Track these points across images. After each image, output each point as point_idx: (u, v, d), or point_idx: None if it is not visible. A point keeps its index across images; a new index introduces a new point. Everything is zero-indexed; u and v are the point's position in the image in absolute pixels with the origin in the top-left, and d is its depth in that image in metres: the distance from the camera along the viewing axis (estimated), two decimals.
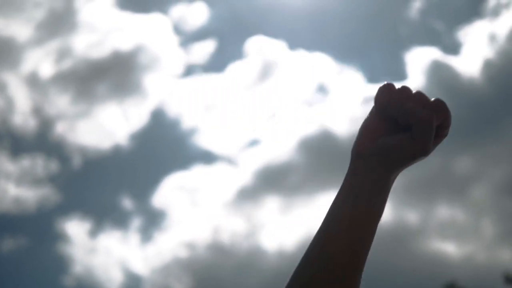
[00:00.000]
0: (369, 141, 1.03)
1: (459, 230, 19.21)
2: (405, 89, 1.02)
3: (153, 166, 21.17)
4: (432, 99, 1.02)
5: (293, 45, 23.14)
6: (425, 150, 1.00)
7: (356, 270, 0.99)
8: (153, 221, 20.04)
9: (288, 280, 1.00)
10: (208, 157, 21.76)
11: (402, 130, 1.02)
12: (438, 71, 20.25)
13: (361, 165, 1.02)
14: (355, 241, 1.00)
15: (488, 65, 20.36)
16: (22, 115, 19.28)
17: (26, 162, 19.22)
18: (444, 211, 19.66)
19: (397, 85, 1.03)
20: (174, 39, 21.87)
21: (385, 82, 1.03)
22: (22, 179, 18.99)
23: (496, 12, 21.18)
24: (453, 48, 22.13)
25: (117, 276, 18.70)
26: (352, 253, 0.99)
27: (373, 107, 1.05)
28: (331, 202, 1.03)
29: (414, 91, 1.02)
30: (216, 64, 20.57)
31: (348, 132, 20.17)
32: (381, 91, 1.03)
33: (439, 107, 1.01)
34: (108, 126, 20.20)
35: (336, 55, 23.25)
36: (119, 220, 20.04)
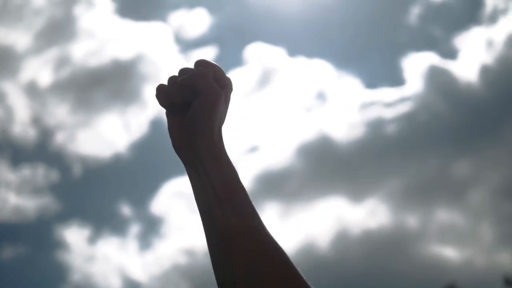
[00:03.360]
0: (179, 138, 1.04)
1: (458, 234, 19.27)
2: (171, 77, 1.04)
3: (152, 173, 21.23)
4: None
5: (292, 52, 23.23)
6: (209, 90, 1.01)
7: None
8: (152, 228, 20.09)
9: None
10: None
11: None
12: (436, 76, 20.34)
13: (191, 157, 1.02)
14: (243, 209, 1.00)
15: (485, 71, 20.46)
16: (22, 124, 19.34)
17: (26, 171, 19.29)
18: (443, 215, 19.72)
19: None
20: (174, 47, 21.97)
21: (157, 85, 1.05)
22: (22, 188, 19.04)
23: (493, 19, 21.28)
24: (450, 54, 22.24)
25: (116, 283, 18.74)
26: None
27: (166, 112, 1.06)
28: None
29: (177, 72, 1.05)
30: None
31: (347, 138, 20.25)
32: (157, 94, 1.05)
33: (201, 63, 1.04)
34: (108, 135, 20.28)
35: (334, 61, 23.35)
36: (118, 227, 20.08)
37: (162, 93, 1.04)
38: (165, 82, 1.05)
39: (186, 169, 1.04)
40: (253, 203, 1.01)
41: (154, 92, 1.05)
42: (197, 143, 1.01)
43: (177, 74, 1.05)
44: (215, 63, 1.05)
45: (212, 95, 1.01)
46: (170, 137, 1.05)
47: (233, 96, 1.09)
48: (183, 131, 1.04)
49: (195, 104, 1.01)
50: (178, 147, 1.04)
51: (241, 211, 0.99)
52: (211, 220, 1.00)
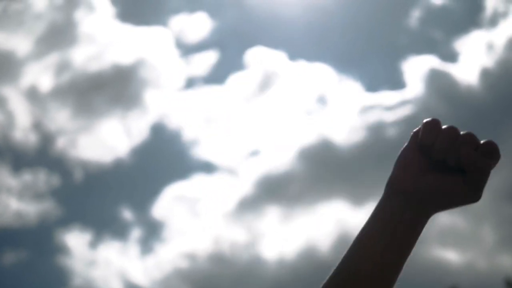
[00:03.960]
0: (410, 176, 0.99)
1: (460, 237, 19.26)
2: (453, 129, 0.97)
3: (153, 177, 21.23)
4: (483, 141, 0.97)
5: (293, 56, 23.24)
6: (477, 197, 0.97)
7: None
8: (153, 232, 20.07)
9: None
10: (208, 168, 21.86)
11: (442, 169, 0.98)
12: (436, 79, 20.34)
13: (400, 201, 0.99)
14: (385, 273, 1.00)
15: (486, 74, 20.45)
16: (23, 130, 19.35)
17: (27, 176, 19.28)
18: (444, 218, 19.71)
19: (443, 124, 0.98)
20: (175, 51, 22.00)
21: (431, 118, 0.98)
22: (23, 194, 19.04)
23: (493, 22, 21.29)
24: (451, 57, 22.25)
25: (117, 287, 18.73)
26: (381, 283, 0.99)
27: (412, 141, 1.00)
28: (363, 228, 1.01)
29: (462, 132, 0.97)
30: (217, 75, 20.65)
31: (348, 141, 20.25)
32: (427, 129, 0.98)
33: (493, 152, 0.97)
34: (108, 140, 20.28)
35: (335, 65, 23.37)
36: (119, 232, 20.07)
37: (434, 133, 0.97)
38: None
39: (389, 197, 1.01)
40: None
41: (429, 123, 0.98)
42: (415, 208, 0.99)
43: (459, 130, 0.97)
44: (500, 154, 0.98)
45: (472, 201, 0.98)
46: (399, 168, 1.00)
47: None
48: (413, 169, 0.99)
49: (462, 188, 0.97)
50: (398, 184, 1.00)
51: (384, 276, 1.00)
52: (356, 254, 1.00)
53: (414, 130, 1.00)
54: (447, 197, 0.98)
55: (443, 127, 0.98)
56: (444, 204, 0.99)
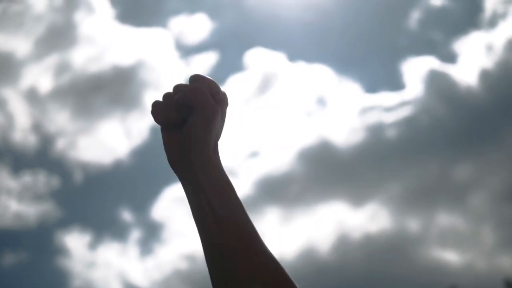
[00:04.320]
0: (174, 155, 1.04)
1: (459, 237, 19.27)
2: (166, 94, 1.04)
3: (152, 179, 21.24)
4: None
5: (292, 57, 23.25)
6: (203, 103, 1.01)
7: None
8: (152, 233, 20.10)
9: None
10: None
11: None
12: (436, 80, 20.35)
13: (186, 173, 1.02)
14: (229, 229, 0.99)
15: (485, 75, 20.47)
16: (22, 131, 19.35)
17: (27, 178, 19.29)
18: (444, 219, 19.72)
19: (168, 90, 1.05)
20: (175, 53, 22.01)
21: (153, 101, 1.04)
22: (23, 195, 19.05)
23: (492, 23, 21.31)
24: (450, 58, 22.26)
25: None
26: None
27: (161, 128, 1.06)
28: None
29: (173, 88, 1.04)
30: (217, 76, 20.55)
31: (347, 142, 20.26)
32: (152, 110, 1.04)
33: (194, 79, 1.04)
34: (108, 141, 20.29)
35: (334, 66, 23.37)
36: (119, 233, 20.09)
37: (158, 110, 1.04)
38: (161, 98, 1.04)
39: (182, 185, 1.03)
40: (249, 217, 1.01)
41: (150, 108, 1.04)
42: (192, 159, 1.00)
43: (172, 91, 1.04)
44: (210, 77, 1.05)
45: (207, 110, 1.01)
46: (166, 152, 1.05)
47: (230, 108, 1.09)
48: (179, 146, 1.03)
49: (191, 120, 1.01)
50: (174, 163, 1.03)
51: (237, 229, 0.98)
52: (207, 236, 0.99)
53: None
54: (191, 131, 1.01)
55: (162, 97, 1.04)
56: (196, 137, 1.01)
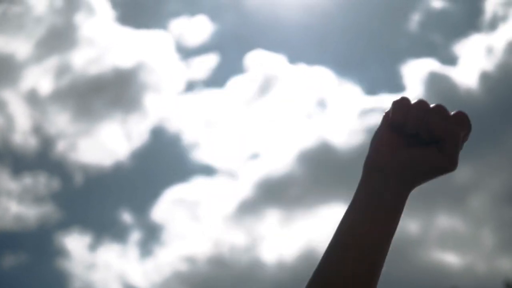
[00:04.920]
0: (386, 154, 1.00)
1: (459, 240, 19.26)
2: (422, 103, 0.98)
3: (153, 180, 21.24)
4: (454, 112, 0.99)
5: (293, 59, 23.23)
6: (453, 164, 0.98)
7: (369, 283, 0.98)
8: (152, 235, 20.07)
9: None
10: (208, 171, 21.85)
11: (418, 143, 0.99)
12: (436, 82, 20.36)
13: (379, 179, 0.99)
14: (372, 253, 0.98)
15: (485, 77, 20.47)
16: (23, 133, 19.35)
17: (27, 180, 19.28)
18: (444, 221, 19.71)
19: (412, 99, 1.00)
20: (175, 55, 22.00)
21: (400, 97, 0.99)
22: (23, 197, 19.04)
23: (493, 26, 21.33)
24: (450, 60, 22.27)
25: None
26: (368, 265, 0.97)
27: (385, 120, 1.01)
28: (343, 215, 1.01)
29: (432, 105, 0.99)
30: (217, 79, 20.65)
31: (347, 144, 20.25)
32: (397, 107, 0.99)
33: (463, 120, 0.99)
34: (109, 143, 20.28)
35: (335, 68, 23.38)
36: (119, 235, 20.08)
37: (404, 110, 0.98)
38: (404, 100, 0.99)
39: (366, 177, 1.01)
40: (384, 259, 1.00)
41: (398, 101, 0.99)
42: (395, 183, 0.99)
43: (427, 101, 0.99)
44: (471, 123, 1.00)
45: (451, 167, 0.99)
46: (374, 150, 1.01)
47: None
48: (395, 147, 1.00)
49: (437, 157, 0.98)
50: (374, 165, 1.01)
51: (375, 255, 0.98)
52: (350, 233, 0.99)
53: (385, 111, 1.01)
54: (423, 167, 0.99)
55: (413, 102, 0.99)
56: (422, 176, 0.99)
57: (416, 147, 0.99)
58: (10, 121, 19.32)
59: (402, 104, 0.99)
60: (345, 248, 0.98)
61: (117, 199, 20.95)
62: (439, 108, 0.98)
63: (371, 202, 0.99)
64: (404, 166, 0.99)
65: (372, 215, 0.98)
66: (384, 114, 1.02)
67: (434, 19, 21.38)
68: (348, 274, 0.97)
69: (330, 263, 0.98)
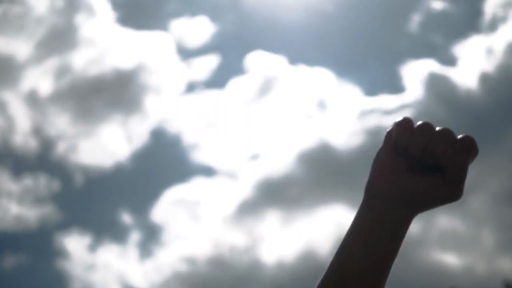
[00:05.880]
0: (387, 180, 0.96)
1: (459, 240, 19.26)
2: (427, 126, 0.93)
3: (153, 181, 21.24)
4: (459, 136, 0.93)
5: (293, 60, 23.25)
6: (459, 194, 0.94)
7: None
8: (152, 235, 20.06)
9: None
10: (208, 171, 21.85)
11: (421, 167, 0.95)
12: (436, 83, 20.36)
13: (380, 205, 0.96)
14: (372, 277, 0.98)
15: (485, 78, 20.48)
16: (23, 134, 19.35)
17: (27, 181, 19.27)
18: (444, 221, 19.71)
19: (415, 121, 0.95)
20: (176, 56, 22.01)
21: (403, 118, 0.94)
22: (23, 198, 19.03)
23: (493, 27, 21.31)
24: (450, 61, 22.28)
25: None
26: (369, 283, 0.98)
27: (387, 142, 0.97)
28: (344, 236, 1.00)
29: (437, 128, 0.93)
30: (217, 79, 20.64)
31: (347, 145, 20.25)
32: (400, 129, 0.94)
33: (471, 147, 0.93)
34: (109, 144, 20.27)
35: (335, 69, 23.36)
36: (119, 235, 20.07)
37: (407, 134, 0.94)
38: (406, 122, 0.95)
39: (368, 202, 0.98)
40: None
41: (402, 123, 0.94)
42: (396, 209, 0.96)
43: (431, 124, 0.94)
44: (478, 148, 0.94)
45: (456, 197, 0.95)
46: (376, 171, 0.97)
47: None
48: (395, 172, 0.96)
49: (441, 186, 0.94)
50: (379, 185, 0.97)
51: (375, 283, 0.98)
52: (352, 258, 0.98)
53: (387, 130, 0.97)
54: (427, 197, 0.95)
55: (417, 124, 0.94)
56: (425, 204, 0.96)
57: (420, 173, 0.95)
58: (10, 122, 19.32)
59: (406, 125, 0.94)
60: (345, 271, 0.97)
61: (117, 200, 20.95)
62: (446, 134, 0.93)
63: (372, 228, 0.97)
64: (406, 192, 0.95)
65: (373, 241, 0.97)
66: (386, 133, 0.98)
67: (434, 20, 21.38)
68: None
69: (329, 284, 0.98)
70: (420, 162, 0.94)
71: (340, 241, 0.99)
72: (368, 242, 0.97)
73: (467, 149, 0.93)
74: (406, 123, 0.94)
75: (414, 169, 0.95)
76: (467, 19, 21.98)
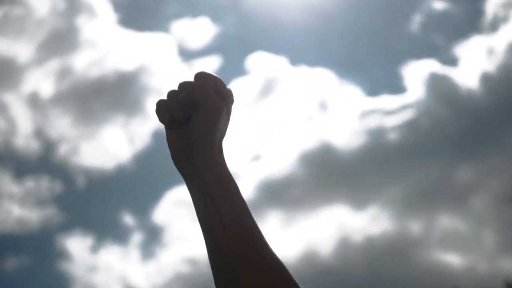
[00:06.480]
0: (180, 153, 1.04)
1: (461, 240, 19.26)
2: (171, 92, 1.03)
3: (154, 183, 21.25)
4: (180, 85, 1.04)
5: (294, 61, 23.23)
6: (208, 101, 1.01)
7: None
8: (154, 237, 20.08)
9: None
10: None
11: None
12: (437, 83, 20.37)
13: (192, 172, 1.02)
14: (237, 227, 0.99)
15: (486, 78, 20.49)
16: (25, 136, 19.36)
17: (29, 183, 19.30)
18: (446, 221, 19.71)
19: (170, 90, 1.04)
20: (177, 57, 22.02)
21: (157, 101, 1.04)
22: (25, 200, 19.06)
23: (494, 27, 21.31)
24: (451, 61, 22.28)
25: None
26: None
27: (165, 126, 1.05)
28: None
29: (168, 92, 1.03)
30: None
31: (348, 146, 20.25)
32: (157, 109, 1.03)
33: (198, 76, 1.03)
34: (111, 146, 20.29)
35: (336, 70, 23.39)
36: (120, 237, 20.08)
37: (163, 109, 1.03)
38: (165, 97, 1.04)
39: (186, 183, 1.04)
40: (254, 219, 1.00)
41: (154, 108, 1.03)
42: (197, 156, 1.01)
43: (176, 89, 1.04)
44: (216, 75, 1.05)
45: (212, 108, 1.02)
46: (170, 150, 1.04)
47: (235, 106, 1.10)
48: (183, 144, 1.03)
49: (196, 117, 1.01)
50: (178, 161, 1.04)
51: (242, 232, 0.98)
52: (212, 238, 0.99)
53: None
54: (203, 126, 1.02)
55: (158, 101, 1.04)
56: (204, 135, 1.02)
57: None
58: (12, 124, 19.33)
59: (160, 105, 1.03)
60: (214, 244, 1.00)
61: (119, 202, 20.96)
62: (180, 85, 1.03)
63: (203, 191, 1.01)
64: (192, 142, 1.01)
65: (216, 199, 1.00)
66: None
67: (435, 20, 21.39)
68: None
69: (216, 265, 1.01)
70: (188, 117, 1.03)
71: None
72: (209, 203, 1.00)
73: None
74: (158, 102, 1.03)
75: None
76: (468, 19, 22.00)
